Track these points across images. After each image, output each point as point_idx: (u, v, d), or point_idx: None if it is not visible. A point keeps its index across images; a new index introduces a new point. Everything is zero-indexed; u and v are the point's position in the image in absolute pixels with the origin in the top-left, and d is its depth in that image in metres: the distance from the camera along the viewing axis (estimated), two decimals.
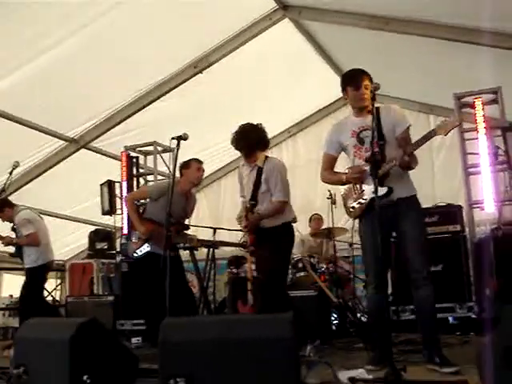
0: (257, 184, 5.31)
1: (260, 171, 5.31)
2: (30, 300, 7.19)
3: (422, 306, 4.22)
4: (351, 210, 4.43)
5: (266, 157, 5.43)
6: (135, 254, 5.96)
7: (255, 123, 5.48)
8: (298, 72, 9.35)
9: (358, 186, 4.37)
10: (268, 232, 5.25)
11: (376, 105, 4.20)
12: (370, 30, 7.52)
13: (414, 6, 6.94)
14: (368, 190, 4.24)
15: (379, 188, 4.03)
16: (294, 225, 5.45)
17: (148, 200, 6.36)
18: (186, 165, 6.12)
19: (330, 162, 4.57)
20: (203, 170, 6.22)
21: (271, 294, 5.18)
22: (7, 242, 7.30)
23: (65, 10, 6.62)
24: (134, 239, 6.01)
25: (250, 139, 5.40)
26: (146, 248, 5.85)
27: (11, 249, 7.46)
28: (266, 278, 5.24)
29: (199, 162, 6.16)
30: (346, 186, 4.54)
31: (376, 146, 4.12)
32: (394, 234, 4.37)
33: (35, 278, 7.26)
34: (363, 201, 4.29)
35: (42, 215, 7.69)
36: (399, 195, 4.21)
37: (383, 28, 7.42)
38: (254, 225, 5.29)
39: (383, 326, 4.26)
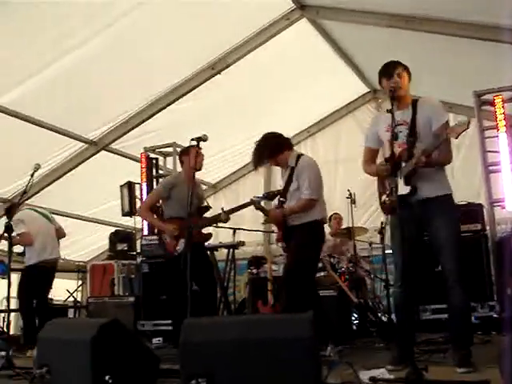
0: (288, 182, 5.32)
1: (292, 170, 5.32)
2: (22, 299, 7.25)
3: (454, 306, 4.18)
4: (383, 205, 4.39)
5: (299, 156, 5.42)
6: (176, 253, 5.87)
7: (263, 134, 5.50)
8: (316, 72, 9.34)
9: (388, 181, 4.31)
10: (294, 229, 5.24)
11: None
12: (389, 28, 7.48)
13: (433, 3, 6.90)
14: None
15: (404, 186, 4.04)
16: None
17: (161, 201, 6.32)
18: (185, 152, 6.08)
19: (369, 154, 4.53)
20: (203, 155, 5.97)
21: (295, 289, 5.12)
22: (3, 239, 7.35)
23: (83, 13, 6.69)
24: (167, 239, 5.95)
25: (268, 149, 5.38)
26: (183, 243, 5.79)
27: (20, 248, 7.50)
28: (289, 271, 5.25)
29: (195, 146, 6.00)
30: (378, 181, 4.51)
31: (399, 146, 4.11)
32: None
33: (26, 277, 7.30)
34: (392, 198, 4.21)
35: (63, 216, 7.71)
36: (428, 194, 4.12)
37: (402, 26, 7.40)
38: (276, 219, 5.35)
39: (406, 324, 4.23)
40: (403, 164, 4.12)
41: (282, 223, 5.32)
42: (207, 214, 6.16)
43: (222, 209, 5.99)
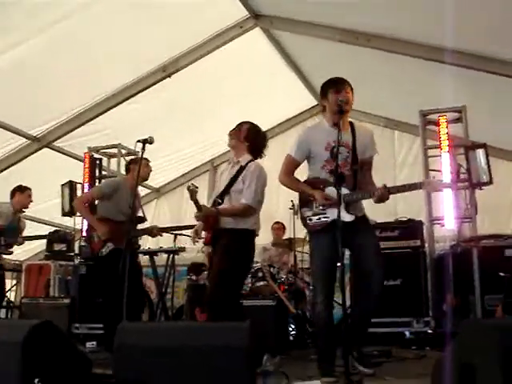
0: (232, 180, 4.96)
1: (241, 170, 5.00)
2: None
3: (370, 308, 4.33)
4: (308, 221, 4.42)
5: (251, 160, 5.12)
6: (100, 254, 5.87)
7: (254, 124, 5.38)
8: (266, 81, 9.38)
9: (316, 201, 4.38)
10: (224, 233, 4.84)
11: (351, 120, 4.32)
12: (341, 43, 7.57)
13: (384, 22, 7.02)
14: (332, 211, 4.20)
15: (346, 214, 4.16)
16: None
17: (98, 201, 6.27)
18: (134, 161, 6.12)
19: (293, 166, 4.53)
20: (151, 167, 6.24)
21: (219, 301, 4.71)
22: None
23: (33, 6, 6.53)
24: (95, 239, 5.92)
25: (260, 140, 5.28)
26: (110, 246, 5.78)
27: None
28: (215, 283, 4.81)
29: (146, 159, 6.08)
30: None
31: (346, 165, 4.25)
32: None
33: None
34: (325, 219, 4.28)
35: None
36: (357, 214, 4.31)
37: (353, 42, 7.49)
38: (209, 217, 4.88)
39: (333, 339, 4.28)
40: (344, 190, 4.17)
41: (213, 223, 4.88)
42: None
43: (156, 226, 6.41)
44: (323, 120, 4.54)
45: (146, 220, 6.30)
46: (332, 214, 4.17)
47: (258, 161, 5.17)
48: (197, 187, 4.86)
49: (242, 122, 5.25)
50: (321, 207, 4.30)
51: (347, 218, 4.16)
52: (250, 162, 5.06)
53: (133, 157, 6.18)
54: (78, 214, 8.63)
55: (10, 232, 7.21)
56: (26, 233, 8.95)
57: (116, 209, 5.82)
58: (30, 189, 7.35)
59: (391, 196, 4.29)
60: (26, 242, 9.92)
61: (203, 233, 5.13)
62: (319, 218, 4.31)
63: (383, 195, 4.16)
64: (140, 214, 6.27)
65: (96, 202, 6.31)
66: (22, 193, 7.26)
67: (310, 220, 4.38)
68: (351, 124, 4.40)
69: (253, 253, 5.00)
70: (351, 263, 5.20)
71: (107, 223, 5.86)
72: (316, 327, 4.46)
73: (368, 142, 4.40)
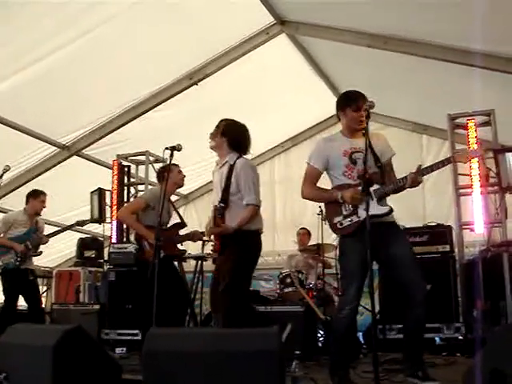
0: (227, 184, 4.86)
1: (231, 169, 4.89)
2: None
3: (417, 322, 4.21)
4: (339, 226, 4.37)
5: (239, 157, 5.01)
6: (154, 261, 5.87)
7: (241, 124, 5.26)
8: (293, 87, 9.38)
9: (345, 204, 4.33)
10: (230, 238, 4.79)
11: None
12: (368, 48, 7.54)
13: (411, 26, 6.98)
14: (360, 210, 4.17)
15: (380, 207, 4.14)
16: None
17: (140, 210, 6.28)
18: (167, 169, 6.13)
19: (315, 177, 4.50)
20: (184, 174, 6.27)
21: (231, 303, 4.70)
22: None
23: (62, 18, 6.63)
24: (147, 247, 5.91)
25: (239, 132, 5.17)
26: (161, 253, 5.78)
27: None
28: (228, 289, 4.71)
29: (177, 165, 6.14)
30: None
31: (358, 171, 4.21)
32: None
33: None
34: (357, 219, 4.22)
35: None
36: (388, 219, 4.25)
37: (381, 47, 7.43)
38: (224, 233, 4.84)
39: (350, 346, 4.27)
40: (375, 186, 4.18)
41: (219, 234, 4.87)
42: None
43: (197, 231, 6.16)
44: (338, 132, 4.55)
45: (185, 225, 6.29)
46: (363, 212, 4.07)
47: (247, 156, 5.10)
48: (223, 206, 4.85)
49: (220, 121, 5.18)
50: (351, 207, 4.24)
51: (381, 210, 4.14)
52: (238, 158, 4.97)
53: (164, 164, 6.16)
54: (108, 220, 8.74)
55: (32, 235, 7.29)
56: (55, 240, 9.07)
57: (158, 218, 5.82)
58: (43, 193, 7.40)
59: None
60: (56, 249, 10.09)
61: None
62: (351, 220, 4.25)
63: (414, 179, 4.10)
64: (178, 220, 6.31)
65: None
66: (34, 198, 7.34)
67: (341, 224, 4.31)
68: (366, 132, 4.29)
69: (259, 252, 4.95)
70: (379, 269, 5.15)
71: (154, 231, 5.86)
72: (336, 332, 4.33)
73: (383, 146, 4.40)
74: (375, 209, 4.09)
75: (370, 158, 4.19)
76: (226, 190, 4.86)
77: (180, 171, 6.21)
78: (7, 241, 7.11)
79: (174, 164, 5.97)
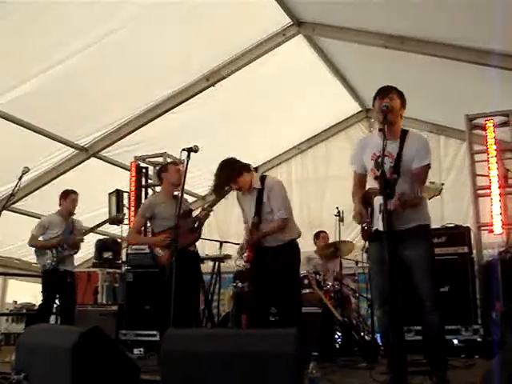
0: (259, 205, 5.28)
1: (260, 193, 5.30)
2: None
3: (429, 330, 4.17)
4: (361, 232, 4.38)
5: (262, 177, 5.43)
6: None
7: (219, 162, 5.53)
8: (309, 88, 9.37)
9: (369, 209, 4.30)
10: (269, 251, 5.23)
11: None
12: (384, 48, 7.52)
13: (428, 27, 6.95)
14: (376, 219, 4.15)
15: (382, 222, 3.97)
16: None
17: (148, 222, 6.34)
18: (163, 169, 6.15)
19: (358, 180, 4.48)
20: (181, 170, 6.04)
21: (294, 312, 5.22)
22: None
23: (78, 23, 6.70)
24: (160, 253, 5.94)
25: (227, 173, 5.44)
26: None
27: None
28: (284, 299, 5.23)
29: (175, 163, 6.17)
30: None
31: (390, 174, 4.03)
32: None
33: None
34: (368, 226, 4.23)
35: None
36: (408, 225, 4.10)
37: (398, 47, 7.42)
38: (256, 242, 5.26)
39: (397, 347, 4.15)
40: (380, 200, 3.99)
41: (255, 245, 5.29)
42: None
43: (202, 207, 6.36)
44: (375, 130, 4.48)
45: (192, 210, 6.37)
46: (375, 223, 4.16)
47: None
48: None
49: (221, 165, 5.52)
50: (369, 214, 4.23)
51: (381, 227, 4.01)
52: (263, 180, 5.38)
53: (161, 164, 6.17)
54: (126, 221, 8.76)
55: (66, 235, 7.34)
56: None
57: (165, 221, 5.85)
58: (74, 192, 7.43)
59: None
60: None
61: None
62: (368, 227, 4.25)
63: (396, 205, 3.97)
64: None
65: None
66: (65, 199, 7.40)
67: (364, 230, 4.33)
68: (404, 133, 4.22)
69: (300, 257, 5.44)
70: None
71: (164, 232, 5.89)
72: (381, 330, 4.39)
73: (417, 152, 4.12)
74: (379, 224, 4.02)
75: (387, 165, 4.04)
76: (259, 211, 5.30)
77: (177, 170, 6.07)
78: (45, 243, 7.20)
79: (172, 162, 5.98)
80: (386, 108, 4.02)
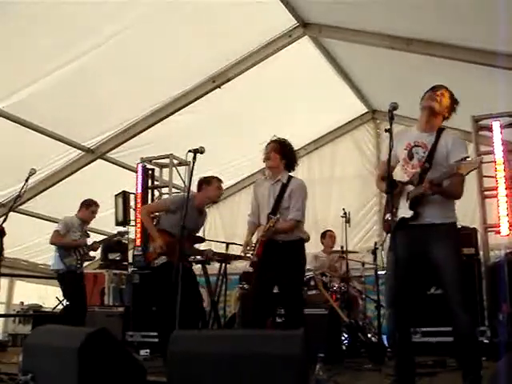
0: (279, 199, 5.26)
1: (284, 187, 5.29)
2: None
3: (459, 332, 4.10)
4: (384, 222, 4.31)
5: (290, 176, 5.42)
6: (152, 265, 5.93)
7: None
8: (315, 90, 9.36)
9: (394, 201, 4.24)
10: (284, 246, 5.20)
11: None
12: (389, 50, 7.51)
13: (433, 28, 6.95)
14: (401, 209, 4.11)
15: (408, 211, 4.02)
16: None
17: (163, 212, 6.31)
18: (207, 181, 6.13)
19: (383, 169, 4.36)
20: (222, 189, 6.29)
21: (296, 310, 5.22)
22: None
23: (85, 23, 6.73)
24: (151, 249, 5.98)
25: (293, 153, 5.53)
26: (163, 259, 5.84)
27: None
28: (287, 295, 5.23)
29: (220, 180, 6.18)
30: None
31: (412, 166, 4.10)
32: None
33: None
34: (391, 218, 4.08)
35: (56, 223, 7.66)
36: (430, 220, 4.04)
37: (404, 49, 7.42)
38: (268, 237, 5.21)
39: (404, 348, 4.09)
40: (411, 187, 4.06)
41: (267, 239, 5.23)
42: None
43: (211, 250, 6.47)
44: (414, 126, 4.42)
45: (204, 241, 6.42)
46: (400, 213, 4.08)
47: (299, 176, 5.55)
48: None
49: (275, 141, 5.44)
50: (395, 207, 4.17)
51: (408, 214, 4.03)
52: (290, 178, 5.38)
53: (207, 176, 6.17)
54: (133, 223, 8.78)
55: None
56: None
57: (177, 224, 5.84)
58: (96, 204, 7.52)
59: None
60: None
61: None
62: (389, 219, 4.12)
63: (427, 187, 3.97)
64: (200, 234, 6.34)
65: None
66: (86, 209, 7.47)
67: (386, 221, 4.22)
68: (441, 129, 4.24)
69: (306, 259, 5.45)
70: None
71: (166, 236, 5.88)
72: (388, 332, 4.32)
73: (452, 146, 4.11)
74: (405, 211, 4.03)
75: (419, 155, 4.10)
76: (277, 205, 5.25)
77: (219, 187, 6.19)
78: (70, 241, 7.26)
79: (217, 178, 6.03)
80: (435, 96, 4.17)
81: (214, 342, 3.20)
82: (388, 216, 4.22)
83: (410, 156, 4.13)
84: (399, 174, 4.32)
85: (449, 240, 4.08)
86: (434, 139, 4.13)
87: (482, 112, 7.45)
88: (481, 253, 7.00)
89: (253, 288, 5.56)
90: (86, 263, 10.25)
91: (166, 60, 7.72)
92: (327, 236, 8.56)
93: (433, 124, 4.20)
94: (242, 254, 5.51)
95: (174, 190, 9.19)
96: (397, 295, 3.95)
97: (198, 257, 6.54)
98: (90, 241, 7.60)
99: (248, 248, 5.32)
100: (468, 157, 4.06)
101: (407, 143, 4.19)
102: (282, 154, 5.38)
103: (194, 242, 6.22)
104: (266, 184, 5.42)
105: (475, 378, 3.87)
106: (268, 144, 5.43)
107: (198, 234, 6.34)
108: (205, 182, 6.15)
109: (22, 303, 11.45)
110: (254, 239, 5.35)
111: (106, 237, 8.04)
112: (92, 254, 7.64)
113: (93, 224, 10.52)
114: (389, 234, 4.19)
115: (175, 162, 9.16)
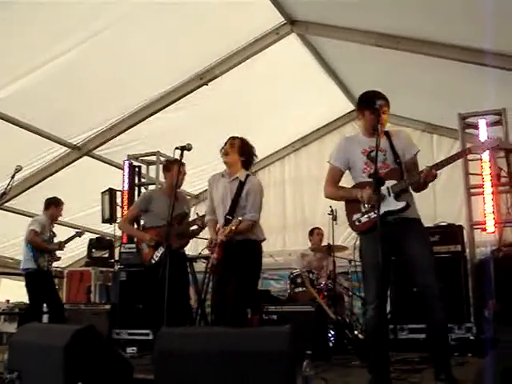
0: (236, 198, 5.17)
1: (241, 185, 5.19)
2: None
3: (435, 322, 4.17)
4: (357, 223, 4.35)
5: (248, 174, 5.31)
6: (153, 261, 5.90)
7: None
8: (303, 87, 9.37)
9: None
10: (238, 246, 5.09)
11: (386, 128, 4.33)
12: (378, 47, 7.52)
13: (420, 25, 6.97)
14: (381, 206, 4.15)
15: (396, 203, 4.13)
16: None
17: (141, 215, 6.33)
18: (166, 168, 6.14)
19: (337, 176, 4.51)
20: (184, 172, 6.08)
21: (243, 312, 5.21)
22: None
23: (71, 20, 6.68)
24: (145, 249, 5.97)
25: (252, 152, 5.42)
26: (160, 251, 5.82)
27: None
28: (232, 299, 5.04)
29: (180, 163, 5.95)
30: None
31: (388, 165, 4.23)
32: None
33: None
34: (374, 215, 4.11)
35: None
36: (408, 215, 4.21)
37: (391, 46, 7.42)
38: (227, 240, 5.09)
39: (381, 348, 4.15)
40: (390, 182, 4.18)
41: (225, 242, 5.12)
42: None
43: (197, 214, 6.21)
44: (359, 133, 4.56)
45: (188, 214, 6.27)
46: (381, 208, 4.05)
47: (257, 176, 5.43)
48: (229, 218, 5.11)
49: (234, 138, 5.41)
50: (369, 206, 4.21)
51: (397, 206, 4.13)
52: (247, 176, 5.27)
53: (167, 159, 6.15)
54: (119, 220, 8.76)
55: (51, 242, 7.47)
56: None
57: (158, 217, 5.86)
58: (63, 202, 7.57)
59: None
60: (67, 249, 10.12)
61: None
62: (369, 217, 4.23)
63: (429, 172, 4.07)
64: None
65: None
66: (56, 206, 7.47)
67: (359, 221, 4.29)
68: (386, 133, 4.38)
69: (261, 261, 5.32)
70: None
71: (152, 230, 5.92)
72: (366, 334, 4.35)
73: (405, 144, 4.37)
74: (392, 205, 4.13)
75: (390, 156, 4.25)
76: (234, 204, 5.16)
77: (180, 171, 5.79)
78: (46, 245, 7.39)
79: (177, 161, 5.75)
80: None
81: (201, 339, 3.20)
82: (356, 216, 4.30)
83: (371, 159, 4.22)
84: (355, 178, 4.45)
85: (422, 235, 4.34)
86: (387, 142, 4.32)
87: (469, 110, 7.49)
88: (467, 250, 7.04)
89: (214, 295, 5.50)
90: (72, 260, 10.27)
91: (153, 57, 7.68)
92: (315, 233, 8.64)
93: (381, 130, 4.32)
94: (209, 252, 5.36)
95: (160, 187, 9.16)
96: (382, 287, 4.11)
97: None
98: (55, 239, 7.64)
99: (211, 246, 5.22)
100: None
101: (363, 149, 4.33)
102: (241, 152, 5.31)
103: (181, 220, 6.15)
104: (223, 180, 5.33)
105: (448, 376, 3.95)
106: (228, 140, 5.38)
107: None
108: (165, 168, 6.18)
109: (8, 301, 11.37)
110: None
111: (68, 237, 7.99)
112: (58, 253, 7.67)
113: (79, 221, 10.53)
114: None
115: (162, 159, 9.13)
